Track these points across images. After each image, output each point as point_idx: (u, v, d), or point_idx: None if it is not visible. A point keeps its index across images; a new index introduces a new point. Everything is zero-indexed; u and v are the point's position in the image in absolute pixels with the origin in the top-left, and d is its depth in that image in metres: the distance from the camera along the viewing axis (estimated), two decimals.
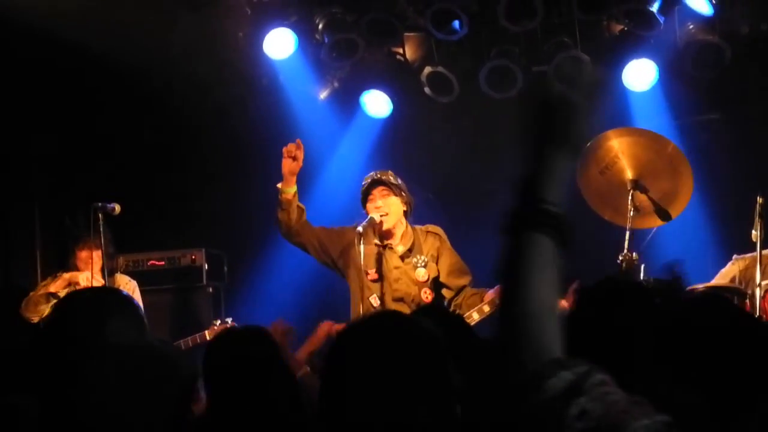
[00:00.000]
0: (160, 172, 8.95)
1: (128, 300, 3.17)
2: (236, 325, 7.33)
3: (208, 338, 7.55)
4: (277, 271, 8.73)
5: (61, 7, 7.73)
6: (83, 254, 7.26)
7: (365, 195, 6.75)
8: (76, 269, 7.32)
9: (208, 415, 4.08)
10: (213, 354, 4.08)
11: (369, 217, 6.68)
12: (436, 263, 6.81)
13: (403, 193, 6.77)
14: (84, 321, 2.90)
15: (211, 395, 4.02)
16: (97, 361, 2.62)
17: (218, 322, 7.49)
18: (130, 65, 8.16)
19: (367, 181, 6.79)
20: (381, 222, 6.70)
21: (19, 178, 8.71)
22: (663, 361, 3.05)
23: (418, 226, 6.88)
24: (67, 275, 7.26)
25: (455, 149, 9.01)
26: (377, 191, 6.72)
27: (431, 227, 6.94)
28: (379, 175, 6.77)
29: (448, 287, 6.80)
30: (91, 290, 3.50)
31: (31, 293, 7.33)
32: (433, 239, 6.86)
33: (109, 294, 3.45)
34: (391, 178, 6.78)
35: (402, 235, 6.81)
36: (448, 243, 6.90)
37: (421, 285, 6.75)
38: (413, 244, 6.80)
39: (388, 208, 6.71)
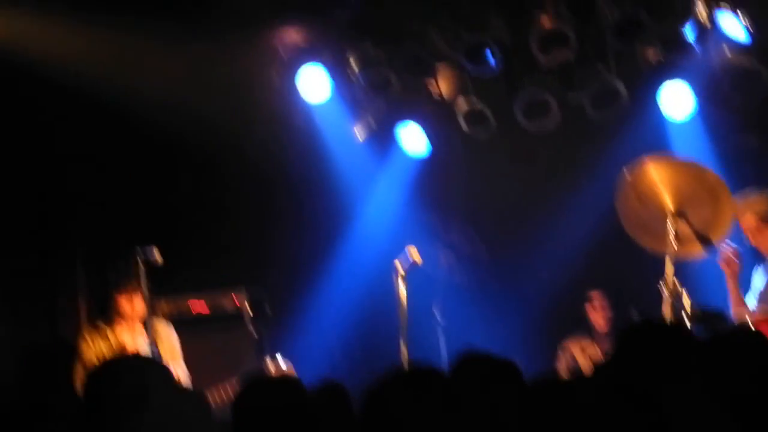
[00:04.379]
0: (199, 214, 8.97)
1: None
2: (288, 361, 7.30)
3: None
4: (319, 309, 8.73)
5: (102, 58, 7.92)
6: (124, 299, 7.26)
7: None
8: (118, 315, 7.32)
9: None
10: (242, 403, 4.04)
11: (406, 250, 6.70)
12: None
13: None
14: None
15: None
16: None
17: (268, 359, 7.44)
18: (167, 110, 8.23)
19: None
20: None
21: (60, 226, 8.81)
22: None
23: None
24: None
25: (494, 182, 8.97)
26: None
27: None
28: None
29: None
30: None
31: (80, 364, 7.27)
32: None
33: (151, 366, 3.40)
34: None
35: None
36: None
37: None
38: None
39: None
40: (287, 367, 7.27)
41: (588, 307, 8.39)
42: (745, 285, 7.06)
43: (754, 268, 7.11)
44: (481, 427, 2.43)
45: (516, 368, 4.09)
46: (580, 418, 2.88)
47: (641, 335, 3.83)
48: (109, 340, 7.29)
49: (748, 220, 6.97)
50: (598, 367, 3.93)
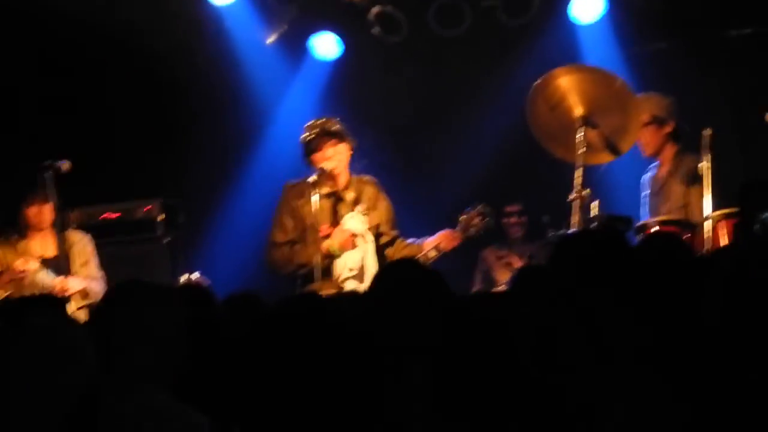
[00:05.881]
0: (110, 124, 8.84)
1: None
2: (205, 278, 7.24)
3: None
4: (234, 218, 8.72)
5: None
6: (33, 211, 7.16)
7: (313, 146, 6.71)
8: (27, 228, 7.23)
9: None
10: None
11: (320, 168, 6.67)
12: (375, 210, 6.86)
13: (348, 138, 6.77)
14: None
15: None
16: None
17: (185, 276, 7.37)
18: (71, 19, 8.06)
19: (313, 131, 6.73)
20: (332, 171, 6.70)
21: None
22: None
23: (353, 176, 6.89)
24: (6, 276, 7.12)
25: (406, 88, 8.96)
26: (326, 143, 6.69)
27: (365, 176, 6.95)
28: (325, 126, 6.73)
29: (385, 235, 6.87)
30: None
31: None
32: (370, 187, 6.88)
33: None
34: (337, 125, 6.74)
35: (347, 183, 6.83)
36: (383, 192, 6.93)
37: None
38: (357, 191, 6.83)
39: (339, 156, 6.72)
40: (202, 281, 7.25)
41: (504, 217, 8.51)
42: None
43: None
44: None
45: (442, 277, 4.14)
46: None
47: (575, 244, 3.93)
48: (18, 251, 7.22)
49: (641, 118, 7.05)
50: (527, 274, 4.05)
